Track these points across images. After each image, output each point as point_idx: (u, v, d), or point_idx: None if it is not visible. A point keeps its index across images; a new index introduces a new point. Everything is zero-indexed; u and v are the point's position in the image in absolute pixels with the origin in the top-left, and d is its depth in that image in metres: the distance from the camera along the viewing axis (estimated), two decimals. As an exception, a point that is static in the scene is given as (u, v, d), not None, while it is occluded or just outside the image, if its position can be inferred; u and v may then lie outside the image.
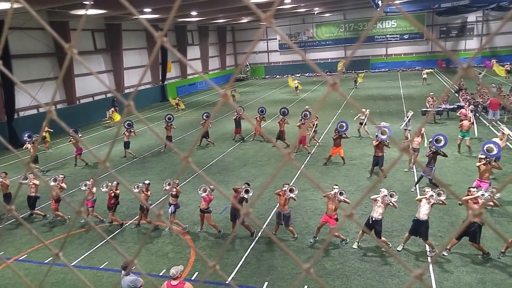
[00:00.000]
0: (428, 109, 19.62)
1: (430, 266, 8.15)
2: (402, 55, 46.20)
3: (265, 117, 19.39)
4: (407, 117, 15.83)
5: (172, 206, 10.43)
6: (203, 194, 9.95)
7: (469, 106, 18.41)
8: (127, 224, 11.14)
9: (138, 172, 15.66)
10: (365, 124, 17.77)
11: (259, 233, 10.07)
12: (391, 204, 8.54)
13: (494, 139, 11.94)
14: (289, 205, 9.59)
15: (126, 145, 17.59)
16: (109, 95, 29.81)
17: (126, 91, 31.39)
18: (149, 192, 10.54)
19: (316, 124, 17.54)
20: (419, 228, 8.46)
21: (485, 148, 10.32)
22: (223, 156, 17.21)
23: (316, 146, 17.14)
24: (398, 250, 8.73)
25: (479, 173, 10.58)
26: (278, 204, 9.82)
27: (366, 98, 28.20)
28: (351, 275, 8.14)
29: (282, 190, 9.37)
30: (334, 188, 9.02)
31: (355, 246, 9.07)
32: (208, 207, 10.10)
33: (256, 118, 18.92)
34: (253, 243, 9.68)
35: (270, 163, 15.71)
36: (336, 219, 9.03)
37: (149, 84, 35.35)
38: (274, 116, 23.56)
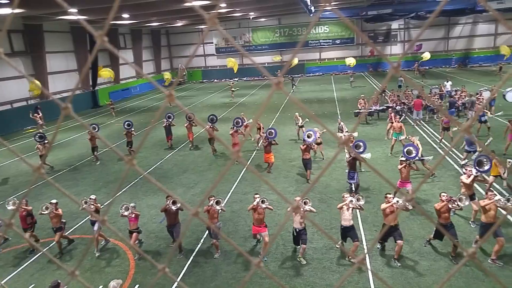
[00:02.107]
0: (360, 111, 20.70)
1: (368, 260, 8.52)
2: (335, 59, 48.43)
3: (194, 122, 18.70)
4: (339, 123, 16.47)
5: (96, 223, 9.71)
6: (126, 213, 9.15)
7: (395, 107, 19.76)
8: (53, 243, 10.27)
9: (68, 184, 14.56)
10: (303, 127, 18.19)
11: (204, 236, 9.93)
12: (307, 210, 8.47)
13: (410, 137, 12.85)
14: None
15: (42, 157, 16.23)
16: (31, 101, 27.47)
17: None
18: (60, 211, 9.58)
19: (262, 127, 17.35)
20: (347, 233, 8.64)
21: (405, 151, 11.07)
22: (161, 163, 16.64)
23: (256, 150, 17.24)
24: (337, 247, 9.04)
25: (401, 176, 11.07)
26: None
27: (302, 101, 29.08)
28: (294, 275, 8.26)
29: (209, 206, 8.90)
30: (256, 198, 8.82)
31: (299, 259, 9.07)
32: (138, 227, 9.46)
33: (185, 125, 18.23)
34: (196, 249, 9.46)
35: (211, 168, 15.49)
36: (265, 226, 8.96)
37: (79, 90, 33.20)
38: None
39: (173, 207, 8.92)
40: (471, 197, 9.74)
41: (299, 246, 8.89)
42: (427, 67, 41.30)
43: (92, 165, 16.89)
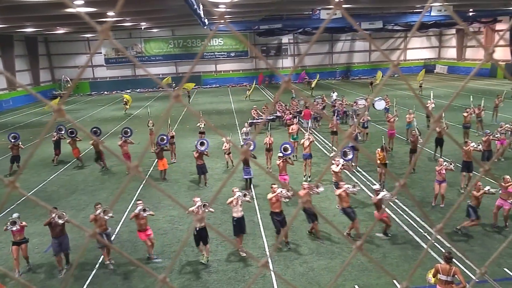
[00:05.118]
0: (254, 121, 21.42)
1: (270, 263, 8.73)
2: (231, 72, 49.52)
3: (78, 137, 16.99)
4: (246, 132, 17.16)
5: None
6: (14, 228, 8.40)
7: (289, 114, 20.95)
8: None
9: None
10: (203, 133, 17.99)
11: (100, 260, 9.17)
12: (207, 210, 8.90)
13: (303, 140, 14.08)
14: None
15: None
16: None
17: None
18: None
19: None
20: (241, 225, 9.26)
21: (282, 148, 12.05)
22: (45, 184, 14.83)
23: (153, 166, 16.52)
24: (243, 256, 9.12)
25: (279, 170, 12.16)
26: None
27: (201, 113, 28.92)
28: (200, 290, 8.04)
29: (95, 214, 8.53)
30: (139, 205, 8.92)
31: (203, 260, 8.99)
32: (25, 237, 8.76)
33: (68, 142, 16.56)
34: (93, 272, 8.72)
35: (104, 187, 14.31)
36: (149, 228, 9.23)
37: None
38: (106, 135, 21.89)
39: (60, 221, 8.33)
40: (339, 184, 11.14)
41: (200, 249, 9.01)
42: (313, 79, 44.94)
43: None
